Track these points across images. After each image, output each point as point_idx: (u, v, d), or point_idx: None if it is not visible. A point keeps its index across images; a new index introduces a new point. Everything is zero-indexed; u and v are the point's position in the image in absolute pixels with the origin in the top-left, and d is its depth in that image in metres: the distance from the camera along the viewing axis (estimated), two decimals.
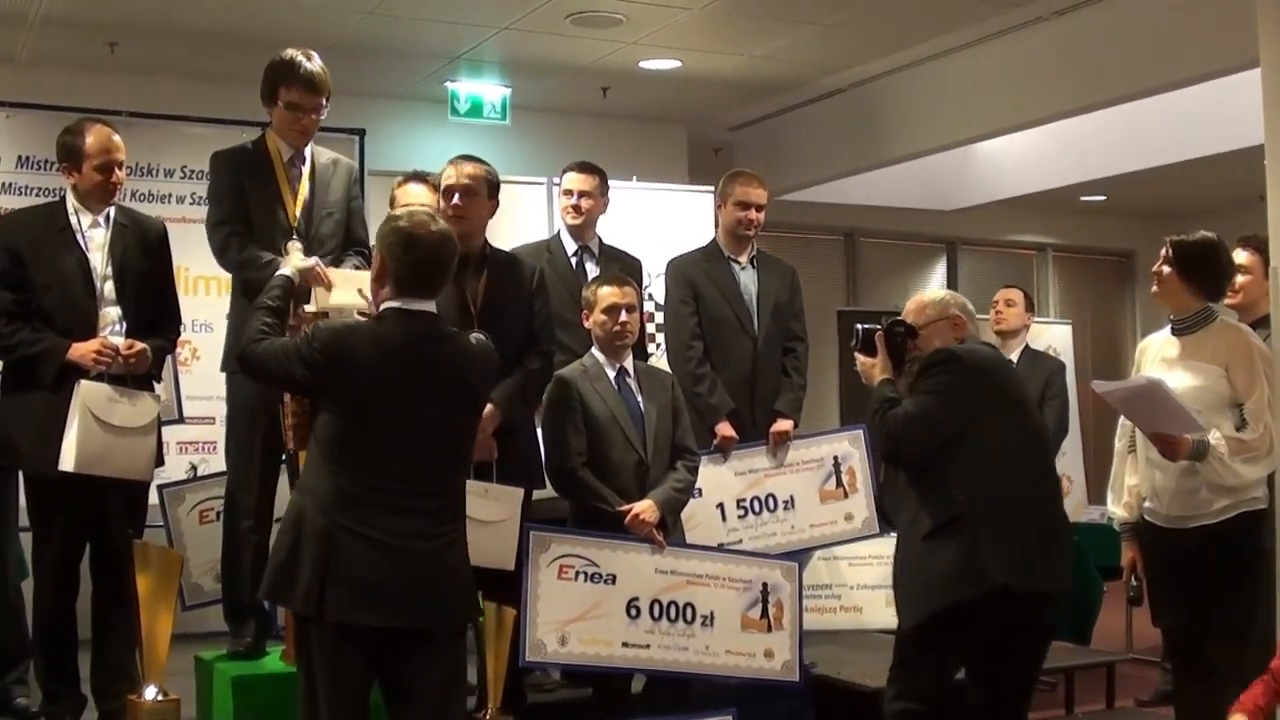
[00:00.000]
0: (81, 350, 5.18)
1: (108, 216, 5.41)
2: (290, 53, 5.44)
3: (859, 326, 5.19)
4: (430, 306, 4.29)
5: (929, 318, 5.11)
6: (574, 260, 6.50)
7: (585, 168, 6.61)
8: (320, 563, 4.03)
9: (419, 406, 4.16)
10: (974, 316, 5.22)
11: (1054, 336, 11.05)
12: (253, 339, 4.33)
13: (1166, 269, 5.28)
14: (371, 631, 4.08)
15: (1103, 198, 13.68)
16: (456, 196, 5.46)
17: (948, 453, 4.82)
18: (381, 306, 4.29)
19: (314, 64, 5.43)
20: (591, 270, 6.41)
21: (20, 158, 8.24)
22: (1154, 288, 5.37)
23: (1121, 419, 5.59)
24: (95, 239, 5.35)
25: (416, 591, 4.13)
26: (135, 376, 5.30)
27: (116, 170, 5.39)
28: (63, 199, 5.46)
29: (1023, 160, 12.15)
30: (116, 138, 5.43)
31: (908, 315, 5.17)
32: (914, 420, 4.85)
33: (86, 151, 5.34)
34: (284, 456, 5.34)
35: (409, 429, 4.15)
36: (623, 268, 6.33)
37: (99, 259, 5.32)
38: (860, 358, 5.17)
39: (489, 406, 5.23)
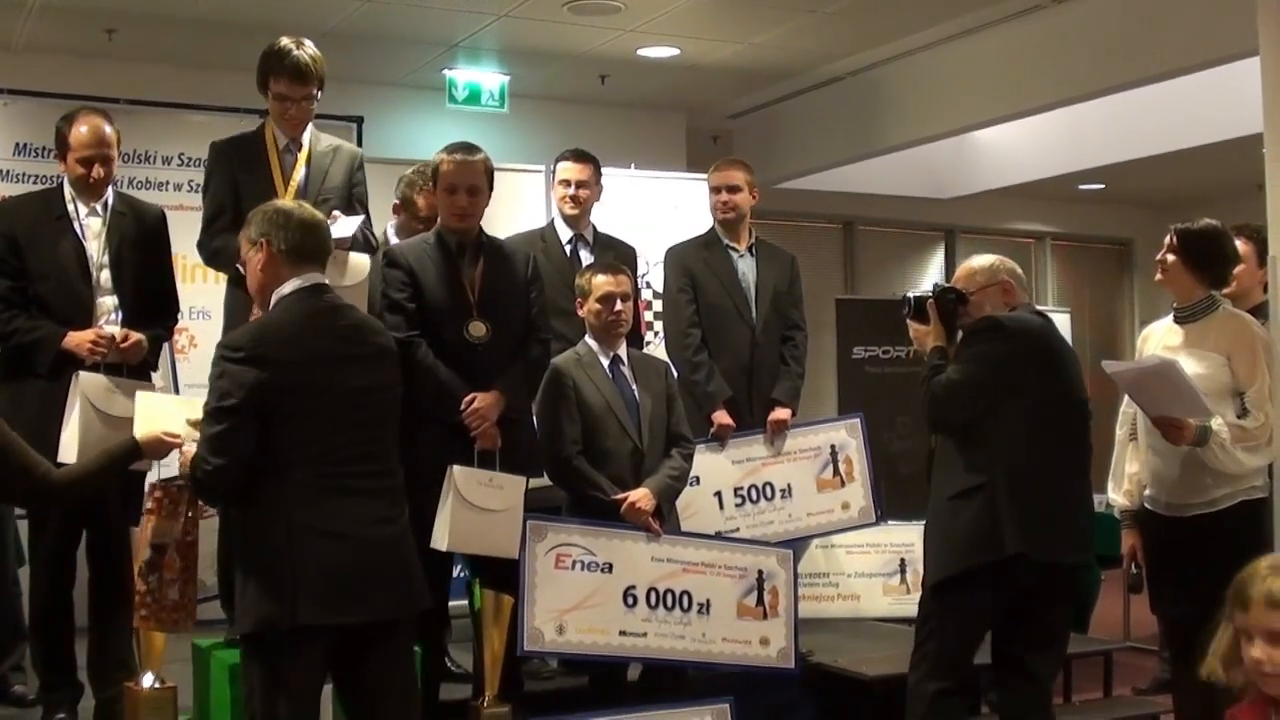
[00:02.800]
0: (77, 340, 5.15)
1: (106, 204, 5.37)
2: (282, 42, 5.43)
3: (909, 295, 5.18)
4: (322, 279, 4.25)
5: (979, 284, 5.10)
6: (569, 248, 6.46)
7: (580, 156, 6.57)
8: (293, 570, 3.95)
9: (347, 376, 4.09)
10: (1024, 282, 5.19)
11: None
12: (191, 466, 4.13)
13: (1171, 257, 5.28)
14: (338, 627, 4.02)
15: (1101, 186, 13.67)
16: (465, 197, 5.42)
17: (986, 418, 4.85)
18: (274, 298, 4.20)
19: (304, 53, 5.40)
20: (586, 258, 6.37)
21: (18, 145, 8.21)
22: (1158, 276, 5.37)
23: (1123, 407, 5.60)
24: (92, 227, 5.32)
25: (383, 582, 4.08)
26: (131, 366, 5.28)
27: (97, 166, 5.28)
28: (60, 186, 5.41)
29: (1021, 148, 12.15)
30: (108, 131, 5.33)
31: (958, 282, 5.16)
32: (954, 387, 4.88)
33: (70, 143, 5.28)
34: None
35: (343, 402, 4.07)
36: (617, 255, 6.32)
37: (95, 247, 5.29)
38: (913, 325, 5.17)
39: (493, 395, 5.24)
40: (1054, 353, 5.05)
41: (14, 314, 5.20)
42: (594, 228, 6.60)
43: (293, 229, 4.18)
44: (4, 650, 5.88)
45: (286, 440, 4.00)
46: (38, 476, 4.15)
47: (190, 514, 4.74)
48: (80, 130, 5.29)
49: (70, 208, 5.31)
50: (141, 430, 4.47)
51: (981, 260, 5.20)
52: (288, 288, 4.17)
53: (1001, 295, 5.08)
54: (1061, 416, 4.96)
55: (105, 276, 5.30)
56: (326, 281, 4.27)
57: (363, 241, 5.40)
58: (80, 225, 5.30)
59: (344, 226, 5.21)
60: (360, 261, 5.25)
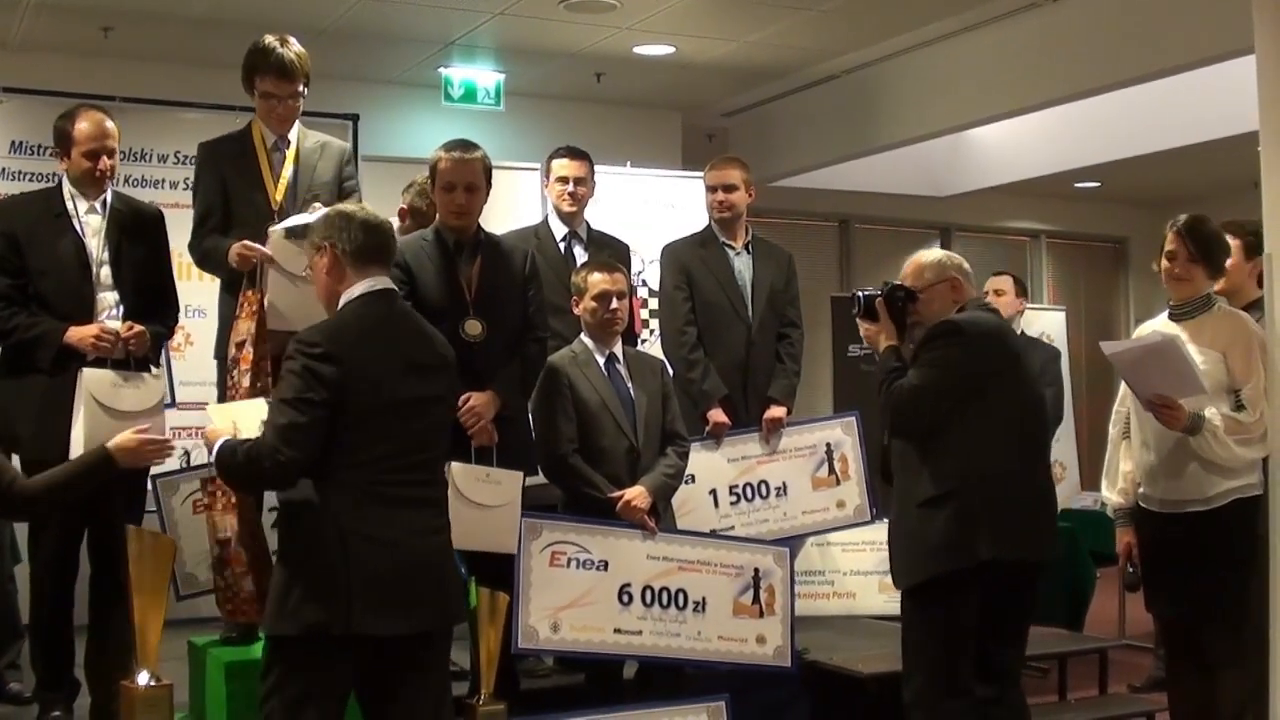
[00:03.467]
0: (80, 335, 5.14)
1: (104, 202, 5.37)
2: (266, 40, 5.45)
3: (859, 294, 5.16)
4: (389, 283, 4.26)
5: (927, 281, 5.07)
6: (563, 246, 6.48)
7: (575, 153, 6.58)
8: (349, 576, 3.91)
9: (407, 385, 4.09)
10: (971, 278, 5.16)
11: (1047, 323, 11.06)
12: (253, 454, 4.01)
13: (1184, 257, 5.27)
14: (382, 637, 3.99)
15: (1097, 184, 13.68)
16: (463, 194, 5.42)
17: (950, 423, 4.84)
18: (342, 300, 4.18)
19: (289, 50, 5.43)
20: (580, 255, 6.40)
21: (14, 143, 8.23)
22: (1169, 281, 5.34)
23: (1116, 405, 5.60)
24: (91, 224, 5.32)
25: (429, 593, 4.07)
26: (136, 360, 5.27)
27: (105, 158, 5.31)
28: (59, 184, 5.42)
29: (1017, 146, 12.15)
30: (109, 125, 5.36)
31: (906, 279, 5.12)
32: (916, 393, 4.85)
33: (75, 138, 5.30)
34: None
35: (400, 410, 4.06)
36: (611, 253, 6.33)
37: (95, 244, 5.29)
38: (864, 325, 5.15)
39: (489, 393, 5.26)
40: (1013, 353, 5.07)
41: (14, 311, 5.20)
42: (588, 225, 6.60)
43: (355, 229, 4.18)
44: (1, 648, 5.88)
45: (344, 443, 3.98)
46: (3, 486, 4.17)
47: (242, 503, 4.77)
48: (83, 125, 5.30)
49: (70, 205, 5.32)
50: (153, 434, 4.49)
51: (929, 256, 5.18)
52: (356, 290, 4.17)
53: (950, 292, 5.07)
54: (1022, 416, 4.98)
55: (105, 273, 5.30)
56: (394, 287, 4.28)
57: None
58: (80, 222, 5.30)
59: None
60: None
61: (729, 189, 6.68)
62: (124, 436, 4.41)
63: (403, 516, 4.03)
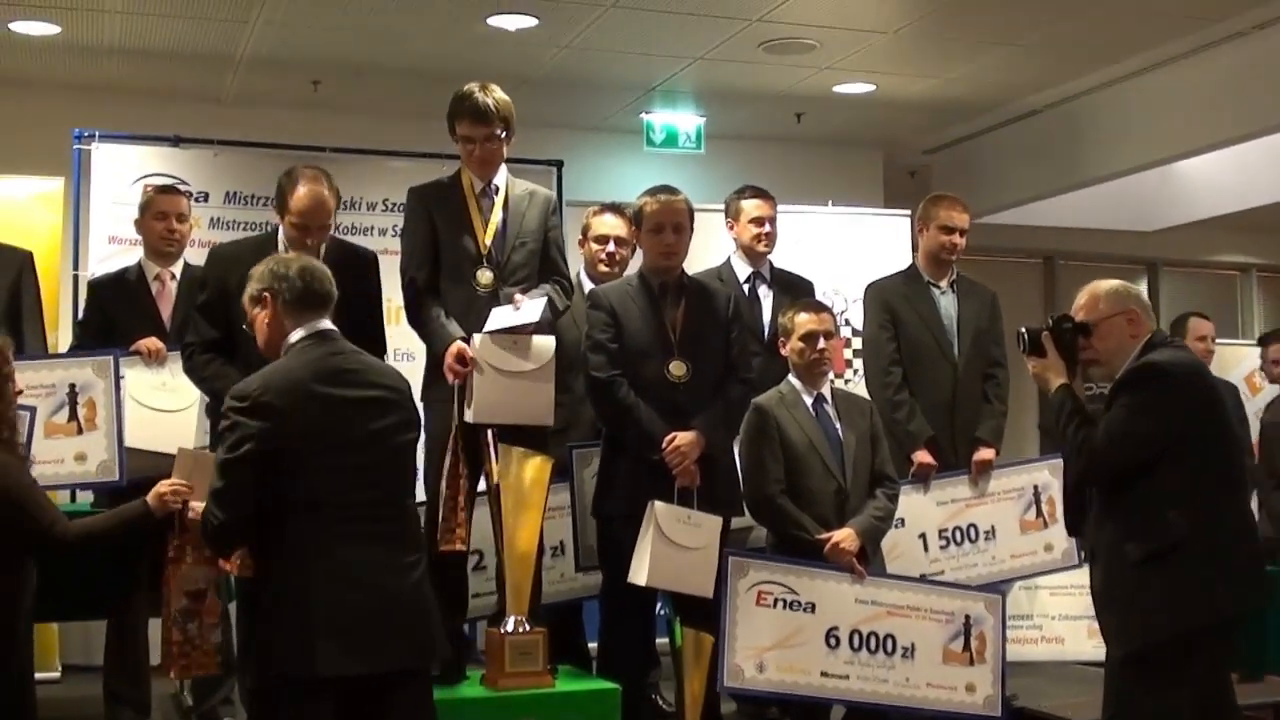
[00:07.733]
0: None
1: (319, 257, 5.24)
2: (467, 87, 5.50)
3: (1023, 330, 4.92)
4: (329, 324, 4.26)
5: (1102, 313, 4.80)
6: (747, 287, 6.49)
7: (763, 194, 6.64)
8: (309, 618, 3.91)
9: (353, 423, 4.07)
10: (1150, 311, 4.86)
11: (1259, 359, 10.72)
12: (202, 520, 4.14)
13: None
14: (355, 677, 3.95)
15: None
16: (671, 235, 5.50)
17: (1156, 472, 4.52)
18: (284, 346, 4.22)
19: (488, 96, 5.44)
20: (765, 295, 6.46)
21: (228, 193, 8.43)
22: None
23: None
24: None
25: (400, 630, 4.02)
26: None
27: (315, 233, 5.29)
28: (275, 233, 5.44)
29: (1226, 178, 11.85)
30: (325, 198, 5.31)
31: (1079, 311, 4.87)
32: (1119, 440, 4.55)
33: (290, 207, 5.29)
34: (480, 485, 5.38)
35: (350, 448, 4.04)
36: (798, 292, 6.38)
37: None
38: (1032, 361, 4.88)
39: (693, 433, 5.27)
40: (1217, 392, 4.77)
41: (210, 358, 5.27)
42: (771, 264, 6.61)
43: (293, 280, 4.23)
44: (214, 683, 6.03)
45: (296, 488, 3.98)
46: (46, 524, 4.44)
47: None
48: (299, 199, 5.27)
49: None
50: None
51: (1105, 286, 4.88)
52: (294, 336, 4.20)
53: (1127, 326, 4.76)
54: (1232, 458, 4.70)
55: None
56: (333, 328, 4.27)
57: (551, 316, 5.44)
58: None
59: (529, 311, 5.26)
60: (544, 344, 5.27)
61: (964, 232, 6.63)
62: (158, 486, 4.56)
63: (365, 555, 4.00)
